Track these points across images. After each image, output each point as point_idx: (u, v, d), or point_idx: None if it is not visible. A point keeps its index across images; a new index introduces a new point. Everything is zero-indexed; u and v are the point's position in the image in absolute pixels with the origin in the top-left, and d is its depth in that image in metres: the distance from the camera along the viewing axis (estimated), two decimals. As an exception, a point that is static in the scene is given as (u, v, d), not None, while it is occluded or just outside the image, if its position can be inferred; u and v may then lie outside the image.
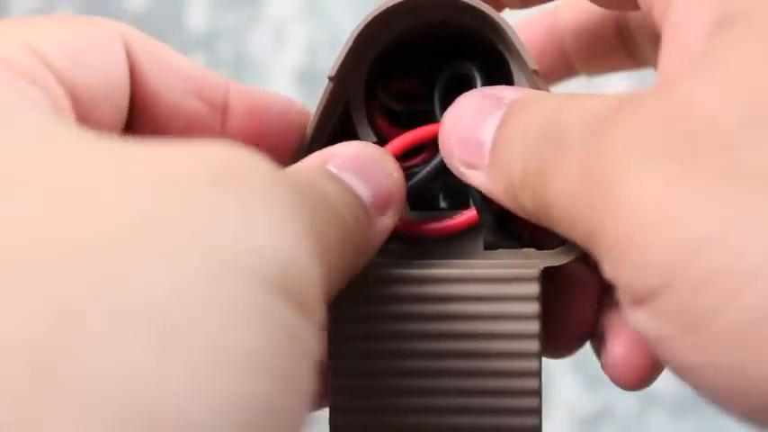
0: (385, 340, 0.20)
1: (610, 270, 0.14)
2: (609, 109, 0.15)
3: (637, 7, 0.19)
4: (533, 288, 0.19)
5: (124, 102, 0.19)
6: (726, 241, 0.12)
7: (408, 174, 0.20)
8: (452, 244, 0.20)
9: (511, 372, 0.19)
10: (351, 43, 0.19)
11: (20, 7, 0.51)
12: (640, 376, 0.20)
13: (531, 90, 0.19)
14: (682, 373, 0.15)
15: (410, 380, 0.20)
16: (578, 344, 0.21)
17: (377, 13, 0.19)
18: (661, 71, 0.17)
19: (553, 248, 0.20)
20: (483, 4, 0.19)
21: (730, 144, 0.13)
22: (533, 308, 0.19)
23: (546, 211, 0.16)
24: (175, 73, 0.19)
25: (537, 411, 0.19)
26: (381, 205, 0.18)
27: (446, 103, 0.20)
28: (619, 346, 0.20)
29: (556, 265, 0.19)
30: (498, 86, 0.19)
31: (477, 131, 0.18)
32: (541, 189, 0.16)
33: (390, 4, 0.19)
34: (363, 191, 0.18)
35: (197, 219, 0.12)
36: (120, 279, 0.11)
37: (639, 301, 0.14)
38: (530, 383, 0.19)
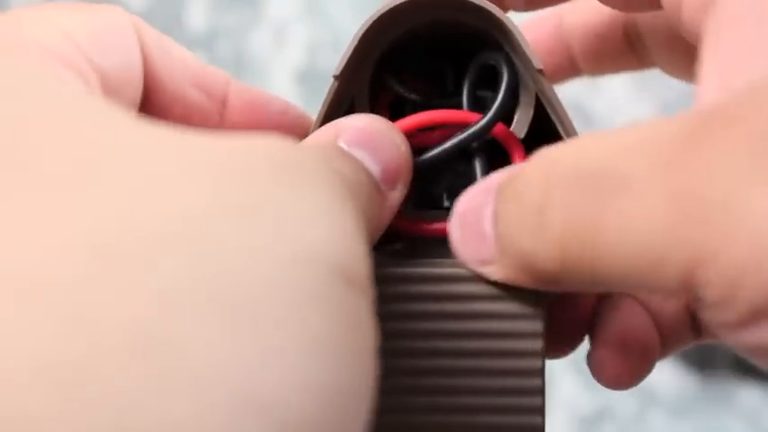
0: (386, 339, 0.19)
1: (721, 293, 0.14)
2: (680, 132, 0.14)
3: (659, 7, 0.18)
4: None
5: (140, 87, 0.19)
6: None
7: (419, 150, 0.20)
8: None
9: (514, 370, 0.19)
10: (356, 42, 0.19)
11: (20, 6, 0.51)
12: (626, 377, 0.20)
13: (514, 166, 0.18)
14: None
15: (411, 379, 0.20)
16: (574, 344, 0.21)
17: (383, 11, 0.19)
18: (709, 74, 0.16)
19: None
20: (489, 3, 0.19)
21: None
22: (537, 307, 0.19)
23: (594, 269, 0.16)
24: (180, 63, 0.20)
25: (540, 410, 0.19)
26: (391, 180, 0.18)
27: (475, 94, 0.20)
28: (604, 348, 0.20)
29: None
30: (492, 175, 0.18)
31: (479, 227, 0.18)
32: (590, 247, 0.15)
33: (397, 2, 0.19)
34: (374, 167, 0.18)
35: (264, 209, 0.12)
36: (208, 269, 0.11)
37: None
38: (533, 382, 0.19)
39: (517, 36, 0.19)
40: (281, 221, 0.13)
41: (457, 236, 0.19)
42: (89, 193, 0.12)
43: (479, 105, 0.21)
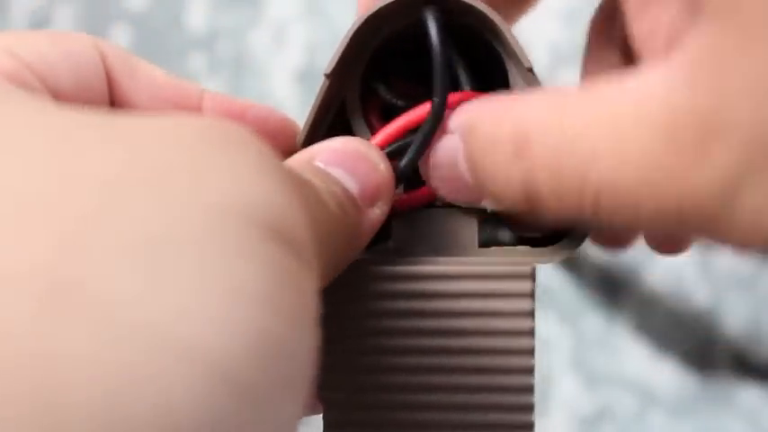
0: (378, 337, 0.20)
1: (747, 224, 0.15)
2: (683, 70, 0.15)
3: None
4: (527, 285, 0.19)
5: (104, 107, 0.19)
6: None
7: (399, 149, 0.20)
8: (446, 241, 0.20)
9: (505, 368, 0.19)
10: (347, 41, 0.20)
11: (20, 7, 0.51)
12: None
13: (476, 107, 0.18)
14: None
15: (404, 376, 0.20)
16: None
17: (373, 10, 0.19)
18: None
19: (546, 246, 0.20)
20: (480, 3, 0.19)
21: None
22: (527, 305, 0.19)
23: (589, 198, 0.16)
24: (148, 80, 0.20)
25: (531, 408, 0.19)
26: (370, 197, 0.19)
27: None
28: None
29: (549, 262, 0.20)
30: (450, 118, 0.19)
31: (458, 178, 0.18)
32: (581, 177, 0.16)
33: (388, 1, 0.19)
34: (351, 184, 0.18)
35: (187, 167, 0.12)
36: (115, 215, 0.11)
37: None
38: (524, 380, 0.19)
39: (508, 35, 0.19)
40: (201, 178, 0.12)
41: (439, 187, 0.19)
42: (6, 157, 0.12)
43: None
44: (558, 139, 0.16)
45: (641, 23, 0.17)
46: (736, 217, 0.14)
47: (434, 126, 0.19)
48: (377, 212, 0.18)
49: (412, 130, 0.20)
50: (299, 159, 0.18)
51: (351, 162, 0.18)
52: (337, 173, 0.18)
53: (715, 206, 0.14)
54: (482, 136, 0.17)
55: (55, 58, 0.18)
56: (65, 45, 0.18)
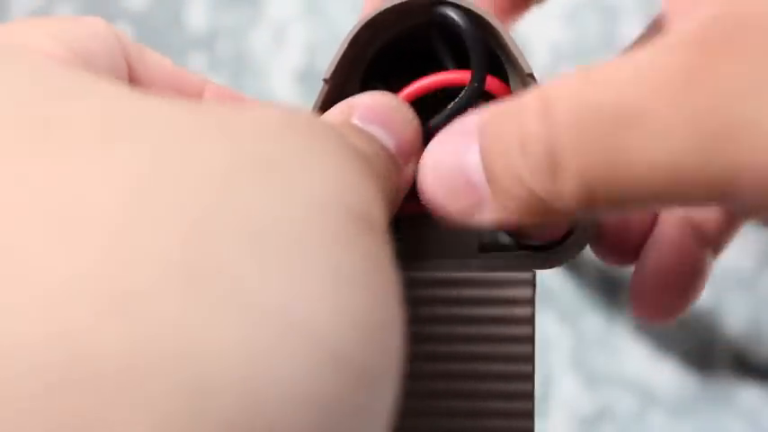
0: None
1: (758, 202, 0.14)
2: (683, 60, 0.14)
3: None
4: (527, 291, 0.19)
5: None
6: None
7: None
8: (447, 246, 0.20)
9: (504, 375, 0.19)
10: (346, 45, 0.20)
11: (20, 6, 0.51)
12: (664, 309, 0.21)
13: (493, 106, 0.18)
14: None
15: (402, 382, 0.20)
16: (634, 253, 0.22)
17: (372, 15, 0.19)
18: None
19: (547, 251, 0.20)
20: (479, 7, 0.19)
21: None
22: (527, 311, 0.19)
23: (620, 201, 0.15)
24: (159, 68, 0.20)
25: (530, 414, 0.19)
26: (406, 154, 0.19)
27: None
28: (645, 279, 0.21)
29: (549, 268, 0.20)
30: (459, 121, 0.18)
31: (461, 173, 0.17)
32: (615, 183, 0.15)
33: (386, 6, 0.19)
34: (388, 141, 0.18)
35: (285, 160, 0.13)
36: (232, 206, 0.12)
37: None
38: (523, 387, 0.19)
39: (507, 40, 0.19)
40: (296, 170, 0.13)
41: (433, 190, 0.18)
42: (117, 149, 0.12)
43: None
44: (583, 94, 0.15)
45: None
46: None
47: (477, 91, 0.19)
48: (410, 171, 0.18)
49: (431, 96, 0.20)
50: (338, 118, 0.18)
51: (387, 119, 0.18)
52: (375, 130, 0.18)
53: (747, 109, 0.14)
54: (505, 115, 0.16)
55: (92, 44, 0.18)
56: (92, 28, 0.18)
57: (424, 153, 0.18)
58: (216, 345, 0.11)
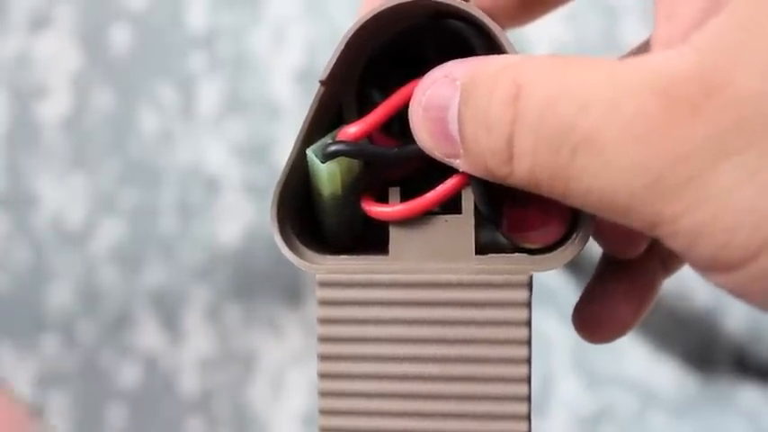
0: (374, 344, 0.20)
1: (683, 244, 0.16)
2: (654, 105, 0.16)
3: None
4: (523, 294, 0.19)
5: None
6: None
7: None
8: (443, 247, 0.20)
9: (501, 377, 0.19)
10: (342, 48, 0.19)
11: (20, 6, 0.51)
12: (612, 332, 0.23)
13: (482, 60, 0.18)
14: (756, 304, 0.18)
15: (399, 384, 0.20)
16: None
17: (367, 18, 0.19)
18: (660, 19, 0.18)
19: (543, 254, 0.20)
20: (476, 9, 0.19)
21: None
22: (523, 314, 0.19)
23: (564, 197, 0.17)
24: None
25: (526, 417, 0.19)
26: None
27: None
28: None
29: (546, 271, 0.19)
30: (450, 64, 0.19)
31: (444, 125, 0.18)
32: (560, 184, 0.17)
33: (382, 8, 0.19)
34: None
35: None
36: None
37: (725, 269, 0.16)
38: (519, 389, 0.19)
39: (504, 44, 0.19)
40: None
41: (420, 128, 0.19)
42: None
43: None
44: (553, 90, 0.16)
45: (665, 25, 0.17)
46: (721, 182, 0.15)
47: None
48: None
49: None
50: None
51: None
52: None
53: (700, 167, 0.15)
54: (481, 84, 0.17)
55: None
56: None
57: (421, 83, 0.19)
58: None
